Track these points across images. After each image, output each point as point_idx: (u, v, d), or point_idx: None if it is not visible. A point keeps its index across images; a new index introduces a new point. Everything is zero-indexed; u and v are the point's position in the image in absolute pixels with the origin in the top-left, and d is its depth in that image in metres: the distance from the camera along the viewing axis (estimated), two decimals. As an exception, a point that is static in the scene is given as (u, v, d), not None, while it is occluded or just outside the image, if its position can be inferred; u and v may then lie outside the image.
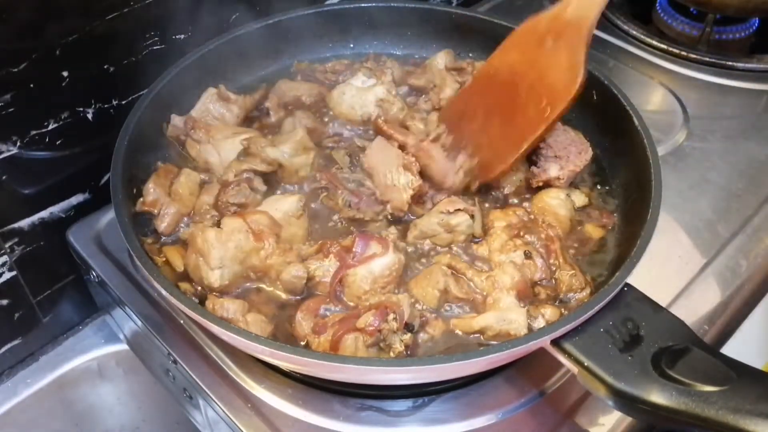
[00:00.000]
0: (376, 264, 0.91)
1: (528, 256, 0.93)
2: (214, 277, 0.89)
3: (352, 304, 0.90)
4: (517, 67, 1.00)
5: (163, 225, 0.97)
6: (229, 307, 0.87)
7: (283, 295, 0.92)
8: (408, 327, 0.85)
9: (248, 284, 0.93)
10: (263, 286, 0.93)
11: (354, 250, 0.91)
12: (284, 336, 0.89)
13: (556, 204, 1.00)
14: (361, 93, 1.16)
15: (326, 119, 1.17)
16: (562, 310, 0.90)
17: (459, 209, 0.96)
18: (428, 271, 0.93)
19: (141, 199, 0.99)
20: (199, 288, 0.92)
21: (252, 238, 0.91)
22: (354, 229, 0.99)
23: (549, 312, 0.89)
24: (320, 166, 1.06)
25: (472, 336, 0.89)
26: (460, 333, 0.89)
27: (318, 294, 0.92)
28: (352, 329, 0.84)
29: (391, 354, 0.83)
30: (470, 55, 1.27)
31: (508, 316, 0.87)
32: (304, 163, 1.06)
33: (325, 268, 0.92)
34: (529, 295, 0.91)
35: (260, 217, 0.93)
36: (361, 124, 1.16)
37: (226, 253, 0.89)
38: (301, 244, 0.96)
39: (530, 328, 0.88)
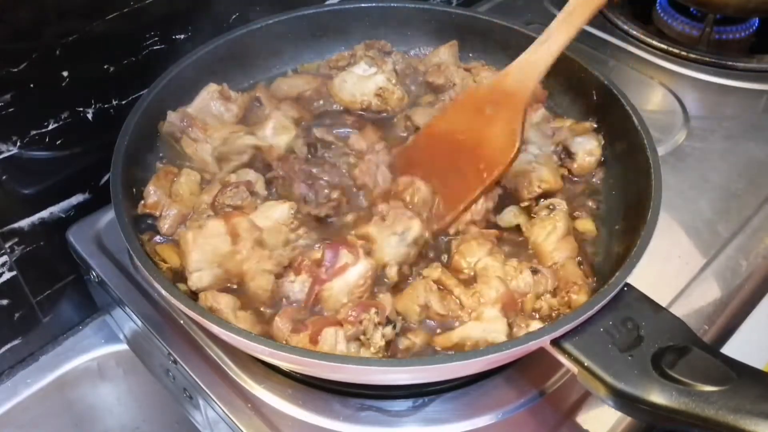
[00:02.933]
0: (351, 274, 0.89)
1: (535, 272, 0.92)
2: (192, 280, 0.89)
3: (329, 315, 0.88)
4: (459, 130, 1.03)
5: (165, 226, 0.97)
6: (220, 300, 0.87)
7: (257, 304, 0.91)
8: (390, 322, 0.84)
9: (232, 287, 0.92)
10: (243, 292, 0.92)
11: (324, 262, 0.89)
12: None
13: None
14: (362, 81, 1.16)
15: (321, 107, 1.18)
16: (546, 323, 0.88)
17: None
18: (412, 287, 0.91)
19: (142, 202, 0.98)
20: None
21: (230, 241, 0.90)
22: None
23: (533, 326, 0.87)
24: (281, 155, 1.06)
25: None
26: (439, 349, 0.87)
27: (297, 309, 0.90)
28: (333, 323, 0.84)
29: (372, 349, 0.83)
30: (470, 55, 1.27)
31: (488, 326, 0.84)
32: (288, 142, 1.07)
33: (298, 286, 0.90)
34: (515, 308, 0.88)
35: (239, 221, 0.92)
36: (359, 111, 1.16)
37: (203, 255, 0.89)
38: (282, 249, 0.93)
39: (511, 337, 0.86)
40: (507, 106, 0.99)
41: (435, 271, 0.91)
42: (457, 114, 1.05)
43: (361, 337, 0.83)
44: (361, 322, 0.83)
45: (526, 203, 1.02)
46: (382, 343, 0.83)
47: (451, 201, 1.00)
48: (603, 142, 1.09)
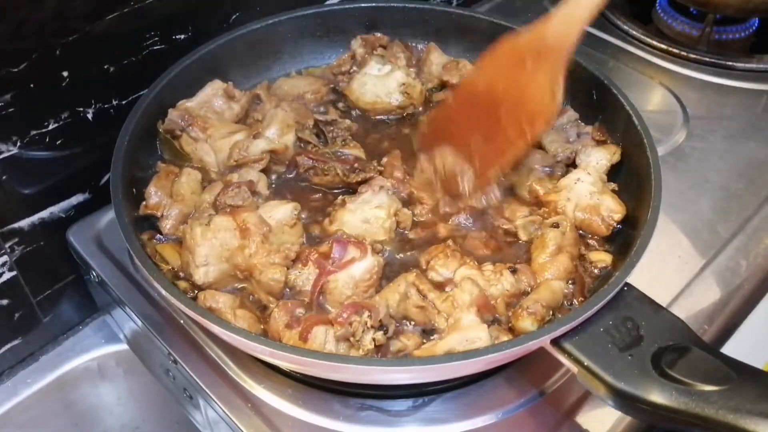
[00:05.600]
0: (356, 268, 0.90)
1: (514, 271, 0.91)
2: (198, 275, 0.89)
3: (332, 310, 0.88)
4: (498, 85, 0.99)
5: (167, 226, 0.97)
6: (219, 299, 0.87)
7: (264, 298, 0.91)
8: (381, 327, 0.84)
9: (236, 284, 0.93)
10: (248, 286, 0.92)
11: (332, 256, 0.90)
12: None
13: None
14: (382, 80, 1.17)
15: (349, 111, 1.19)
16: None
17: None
18: (396, 281, 0.91)
19: (144, 203, 0.99)
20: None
21: (238, 236, 0.90)
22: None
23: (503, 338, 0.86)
24: (298, 149, 1.08)
25: None
26: None
27: (299, 300, 0.91)
28: (323, 321, 0.84)
29: (360, 351, 0.82)
30: (468, 55, 1.27)
31: (470, 335, 0.83)
32: (294, 139, 1.08)
33: (305, 277, 0.91)
34: (491, 309, 0.88)
35: (249, 216, 0.92)
36: (393, 111, 1.17)
37: (211, 250, 0.89)
38: (290, 244, 0.94)
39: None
40: (548, 58, 0.95)
41: (410, 276, 0.90)
42: (495, 67, 1.01)
43: (351, 339, 0.83)
44: (350, 324, 0.83)
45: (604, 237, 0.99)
46: (371, 346, 0.83)
47: (492, 157, 0.99)
48: (618, 159, 1.05)
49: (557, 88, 0.95)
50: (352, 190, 1.03)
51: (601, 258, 0.96)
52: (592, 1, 0.93)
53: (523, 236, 0.98)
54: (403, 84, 1.17)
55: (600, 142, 1.09)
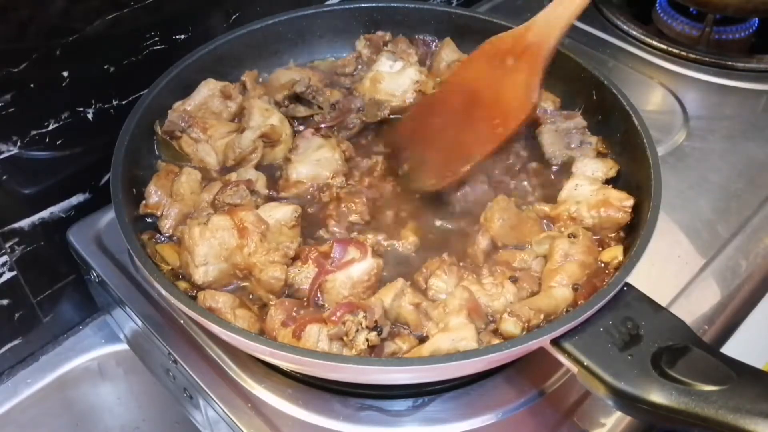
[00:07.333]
0: (355, 269, 0.90)
1: (515, 280, 0.91)
2: (198, 275, 0.89)
3: (318, 312, 0.88)
4: (478, 82, 1.02)
5: (166, 226, 0.97)
6: (219, 299, 0.87)
7: (264, 296, 0.91)
8: (376, 327, 0.84)
9: (236, 283, 0.93)
10: (248, 285, 0.92)
11: (332, 255, 0.90)
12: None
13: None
14: (395, 77, 1.17)
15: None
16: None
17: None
18: (394, 282, 0.91)
19: (143, 202, 0.99)
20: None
21: (236, 235, 0.91)
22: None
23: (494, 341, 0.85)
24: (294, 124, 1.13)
25: None
26: None
27: (298, 298, 0.91)
28: (317, 320, 0.84)
29: (353, 351, 0.82)
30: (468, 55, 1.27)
31: (455, 335, 0.83)
32: (279, 117, 1.09)
33: (304, 275, 0.91)
34: (481, 315, 0.87)
35: (246, 215, 0.92)
36: (407, 109, 1.16)
37: (210, 250, 0.89)
38: (289, 242, 0.94)
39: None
40: (528, 58, 0.98)
41: (398, 283, 0.90)
42: (478, 64, 1.04)
43: (344, 338, 0.83)
44: (344, 323, 0.83)
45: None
46: (364, 346, 0.82)
47: (463, 154, 0.99)
48: (614, 174, 1.04)
49: (534, 88, 0.97)
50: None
51: (612, 254, 0.95)
52: (573, 6, 0.97)
53: (539, 251, 0.97)
54: (417, 81, 1.16)
55: (601, 155, 1.09)
